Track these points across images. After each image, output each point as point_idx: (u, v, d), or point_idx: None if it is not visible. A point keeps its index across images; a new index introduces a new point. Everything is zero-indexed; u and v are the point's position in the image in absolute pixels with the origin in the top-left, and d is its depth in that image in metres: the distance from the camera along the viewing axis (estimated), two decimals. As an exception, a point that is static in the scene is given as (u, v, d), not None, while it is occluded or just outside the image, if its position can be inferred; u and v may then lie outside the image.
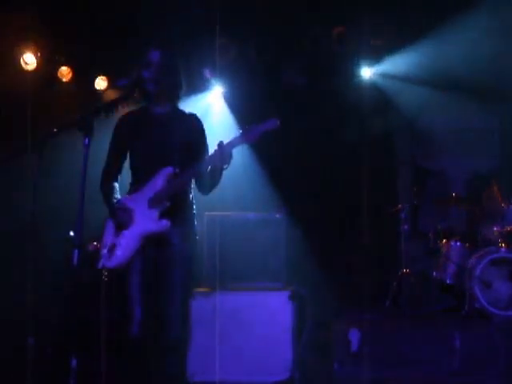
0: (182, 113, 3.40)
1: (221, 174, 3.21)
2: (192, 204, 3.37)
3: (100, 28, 5.93)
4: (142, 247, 3.18)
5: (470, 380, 4.40)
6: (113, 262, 3.16)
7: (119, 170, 3.42)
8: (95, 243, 3.25)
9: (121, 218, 3.21)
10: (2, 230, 5.68)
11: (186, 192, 3.31)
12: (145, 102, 3.34)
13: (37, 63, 6.02)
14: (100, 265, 3.16)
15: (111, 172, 3.39)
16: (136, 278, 3.19)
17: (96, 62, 6.31)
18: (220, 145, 3.11)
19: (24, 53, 5.92)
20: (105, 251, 3.19)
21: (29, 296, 5.52)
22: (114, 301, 3.07)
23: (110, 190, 3.34)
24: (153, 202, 3.17)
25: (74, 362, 2.44)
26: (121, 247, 3.16)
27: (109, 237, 3.25)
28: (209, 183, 3.28)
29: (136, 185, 3.30)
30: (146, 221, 3.17)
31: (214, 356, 4.53)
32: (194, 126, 3.38)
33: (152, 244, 3.19)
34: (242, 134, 3.11)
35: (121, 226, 3.21)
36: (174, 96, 3.36)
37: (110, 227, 3.27)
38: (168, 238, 3.20)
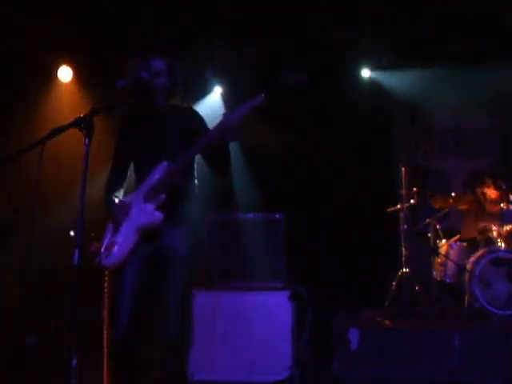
0: (178, 107, 3.39)
1: (224, 151, 3.15)
2: (191, 203, 3.37)
3: (101, 28, 5.93)
4: (137, 244, 3.17)
5: (470, 380, 4.40)
6: (109, 260, 3.16)
7: (124, 176, 3.41)
8: (97, 244, 3.24)
9: (116, 214, 3.21)
10: (2, 230, 5.69)
11: (184, 191, 3.30)
12: (142, 101, 3.31)
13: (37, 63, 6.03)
14: (96, 261, 3.15)
15: (115, 178, 3.39)
16: (129, 279, 3.17)
17: (96, 62, 6.31)
18: (207, 133, 3.11)
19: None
20: (103, 250, 3.19)
21: (28, 296, 5.54)
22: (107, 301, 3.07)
23: (111, 196, 3.33)
24: (148, 196, 3.17)
25: (74, 362, 2.44)
26: (117, 244, 3.16)
27: (108, 236, 3.26)
28: (218, 162, 3.23)
29: (137, 183, 3.30)
30: (140, 215, 3.17)
31: (213, 355, 4.54)
32: (192, 117, 3.37)
33: (149, 243, 3.18)
34: (226, 114, 3.04)
35: (118, 224, 3.21)
36: (172, 94, 3.37)
37: (110, 227, 3.29)
38: (166, 237, 3.19)
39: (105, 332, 3.02)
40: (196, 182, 3.37)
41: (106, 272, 3.10)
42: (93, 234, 3.18)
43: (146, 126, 3.33)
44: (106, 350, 3.03)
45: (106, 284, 3.08)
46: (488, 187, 5.87)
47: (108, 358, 3.01)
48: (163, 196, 3.14)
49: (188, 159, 3.17)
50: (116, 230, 3.22)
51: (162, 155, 3.21)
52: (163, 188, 3.14)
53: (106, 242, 3.23)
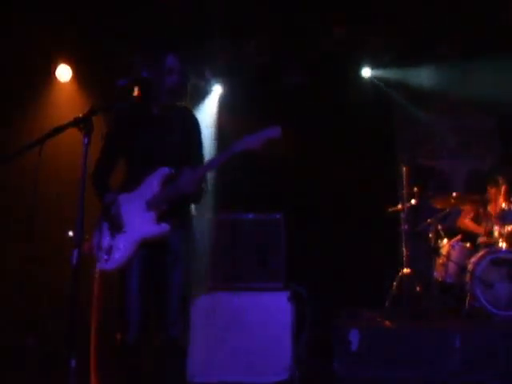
0: (178, 109, 3.36)
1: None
2: (190, 205, 3.35)
3: (101, 28, 5.93)
4: (139, 250, 3.15)
5: (470, 380, 4.39)
6: (111, 265, 3.13)
7: (113, 166, 3.36)
8: (88, 244, 3.20)
9: (115, 214, 3.17)
10: (2, 230, 5.68)
11: (193, 196, 3.25)
12: (143, 100, 3.26)
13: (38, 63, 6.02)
14: (98, 267, 3.11)
15: (105, 167, 3.33)
16: (135, 279, 3.15)
17: (95, 61, 6.30)
18: (224, 151, 3.08)
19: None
20: (102, 254, 3.14)
21: (29, 296, 5.53)
22: (113, 303, 3.05)
23: (102, 187, 3.29)
24: (151, 205, 3.14)
25: (73, 362, 2.43)
26: (119, 250, 3.12)
27: (105, 238, 3.19)
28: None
29: (131, 183, 3.24)
30: (144, 224, 3.14)
31: (214, 356, 4.53)
32: (190, 122, 3.36)
33: (151, 246, 3.16)
34: (244, 140, 3.03)
35: (115, 228, 3.17)
36: (181, 95, 3.34)
37: (105, 228, 3.22)
38: (167, 240, 3.17)
39: (92, 334, 2.99)
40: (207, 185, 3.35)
41: (97, 274, 3.06)
42: (87, 237, 3.15)
43: (145, 126, 3.28)
44: (92, 352, 3.00)
45: (96, 285, 3.04)
46: (501, 188, 5.81)
47: (95, 361, 2.97)
48: (165, 207, 3.12)
49: (203, 176, 3.16)
50: (114, 232, 3.17)
51: (162, 157, 3.19)
52: (168, 200, 3.12)
53: (103, 244, 3.17)
